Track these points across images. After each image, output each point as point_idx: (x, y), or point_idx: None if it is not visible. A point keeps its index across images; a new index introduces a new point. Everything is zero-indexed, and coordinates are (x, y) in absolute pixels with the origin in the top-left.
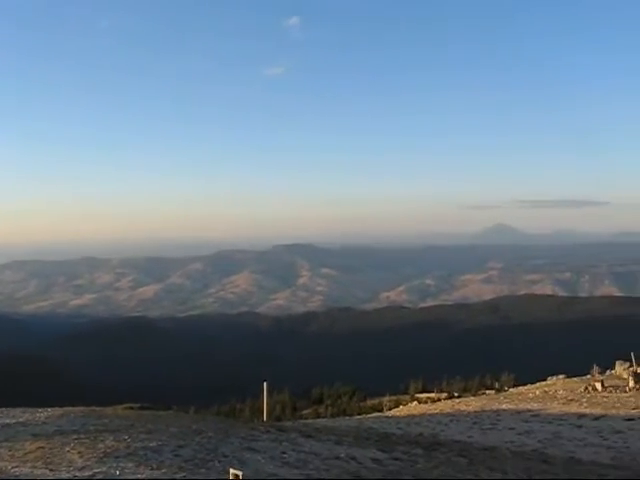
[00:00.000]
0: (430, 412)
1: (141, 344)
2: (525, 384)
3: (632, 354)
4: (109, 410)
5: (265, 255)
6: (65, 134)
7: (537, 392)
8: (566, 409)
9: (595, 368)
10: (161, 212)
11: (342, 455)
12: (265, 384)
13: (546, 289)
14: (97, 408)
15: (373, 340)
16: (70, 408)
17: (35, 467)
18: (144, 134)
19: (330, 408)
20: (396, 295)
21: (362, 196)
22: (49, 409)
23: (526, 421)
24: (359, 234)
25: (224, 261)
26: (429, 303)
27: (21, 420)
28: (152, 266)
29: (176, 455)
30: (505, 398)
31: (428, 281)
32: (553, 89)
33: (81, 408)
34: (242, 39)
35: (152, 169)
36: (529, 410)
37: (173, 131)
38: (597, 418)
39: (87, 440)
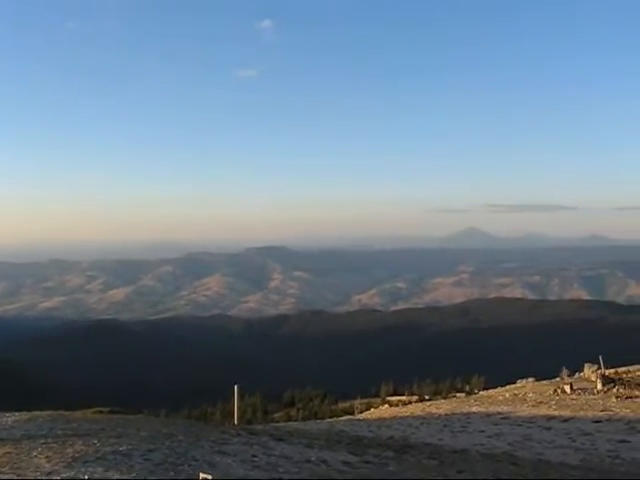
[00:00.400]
0: (401, 415)
1: (112, 347)
2: (495, 387)
3: (600, 357)
4: (78, 414)
5: (236, 258)
6: (33, 135)
7: (507, 395)
8: (535, 412)
9: (564, 371)
10: (131, 214)
11: (313, 458)
12: (236, 387)
13: (516, 292)
14: (66, 412)
15: (345, 343)
16: (38, 412)
17: (2, 472)
18: (111, 135)
19: (301, 411)
20: (368, 298)
21: (334, 199)
22: (16, 413)
23: (496, 424)
24: (331, 237)
25: (195, 264)
26: (400, 306)
27: None
28: (122, 269)
29: (146, 459)
30: (475, 401)
31: (399, 284)
32: (527, 90)
33: (49, 412)
34: (215, 42)
35: (121, 171)
36: (499, 413)
37: (143, 133)
38: (566, 420)
39: (55, 445)
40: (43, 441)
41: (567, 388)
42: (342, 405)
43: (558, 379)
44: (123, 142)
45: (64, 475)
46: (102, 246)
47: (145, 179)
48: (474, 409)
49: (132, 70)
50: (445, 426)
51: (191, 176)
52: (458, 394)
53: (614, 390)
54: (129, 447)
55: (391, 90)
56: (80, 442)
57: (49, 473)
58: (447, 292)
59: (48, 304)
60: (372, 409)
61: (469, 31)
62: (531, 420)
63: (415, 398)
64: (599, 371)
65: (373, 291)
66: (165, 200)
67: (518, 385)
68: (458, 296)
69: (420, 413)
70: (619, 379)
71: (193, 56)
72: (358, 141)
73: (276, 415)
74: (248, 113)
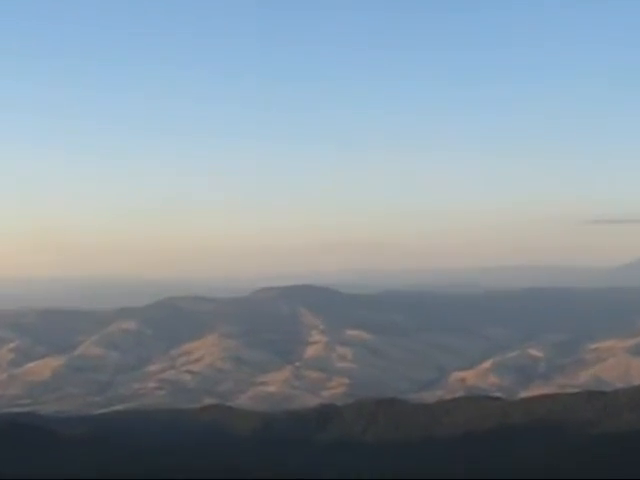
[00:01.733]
0: None
1: (30, 459)
2: None
3: None
4: None
5: (245, 305)
6: None
7: None
8: None
9: None
10: (67, 238)
11: None
12: None
13: None
14: None
15: (437, 453)
16: None
17: None
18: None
19: None
20: (477, 377)
21: (408, 206)
22: None
23: None
24: (407, 270)
25: (175, 316)
26: (535, 391)
27: None
28: (51, 325)
29: None
30: None
31: (534, 351)
32: None
33: None
34: None
35: (54, 167)
36: None
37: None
38: None
39: None
40: None
41: None
42: None
43: None
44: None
45: None
46: (15, 287)
47: (87, 181)
48: None
49: None
50: None
51: (160, 174)
52: None
53: None
54: None
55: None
56: None
57: None
58: (620, 365)
59: None
60: None
61: None
62: None
63: None
64: None
65: (486, 364)
66: (119, 216)
67: None
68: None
69: None
70: None
71: None
72: (442, 105)
73: None
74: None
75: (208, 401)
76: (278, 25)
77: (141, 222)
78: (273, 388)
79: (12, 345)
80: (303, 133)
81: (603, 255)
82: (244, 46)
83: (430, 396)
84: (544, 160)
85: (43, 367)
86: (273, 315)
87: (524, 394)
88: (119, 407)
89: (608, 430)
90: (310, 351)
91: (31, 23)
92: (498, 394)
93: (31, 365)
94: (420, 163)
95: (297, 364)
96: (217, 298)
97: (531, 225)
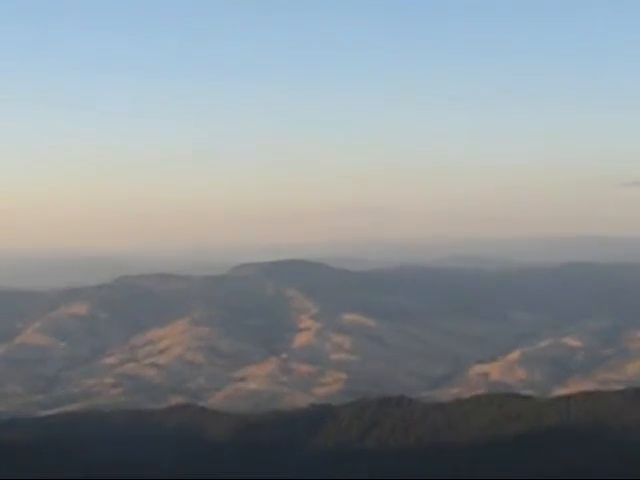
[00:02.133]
0: None
1: None
2: None
3: None
4: None
5: (223, 285)
6: None
7: None
8: None
9: None
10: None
11: None
12: None
13: None
14: None
15: (454, 463)
16: None
17: None
18: None
19: None
20: (503, 370)
21: (417, 164)
22: None
23: None
24: (416, 241)
25: (136, 297)
26: (572, 387)
27: None
28: None
29: None
30: None
31: (571, 340)
32: None
33: None
34: None
35: None
36: None
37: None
38: None
39: None
40: None
41: None
42: None
43: None
44: None
45: None
46: None
47: (28, 140)
48: None
49: None
50: None
51: (129, 131)
52: None
53: None
54: None
55: None
56: None
57: None
58: None
59: None
60: None
61: None
62: None
63: None
64: None
65: (514, 356)
66: (75, 178)
67: None
68: None
69: None
70: None
71: None
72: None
73: None
74: None
75: (176, 401)
76: None
77: (93, 184)
78: (255, 385)
79: None
80: (298, 87)
81: None
82: None
83: (445, 394)
84: (584, 115)
85: None
86: (255, 296)
87: (559, 392)
88: (68, 408)
89: None
90: (300, 340)
91: None
92: (528, 392)
93: None
94: (430, 115)
95: (284, 356)
96: (188, 276)
97: (568, 188)
